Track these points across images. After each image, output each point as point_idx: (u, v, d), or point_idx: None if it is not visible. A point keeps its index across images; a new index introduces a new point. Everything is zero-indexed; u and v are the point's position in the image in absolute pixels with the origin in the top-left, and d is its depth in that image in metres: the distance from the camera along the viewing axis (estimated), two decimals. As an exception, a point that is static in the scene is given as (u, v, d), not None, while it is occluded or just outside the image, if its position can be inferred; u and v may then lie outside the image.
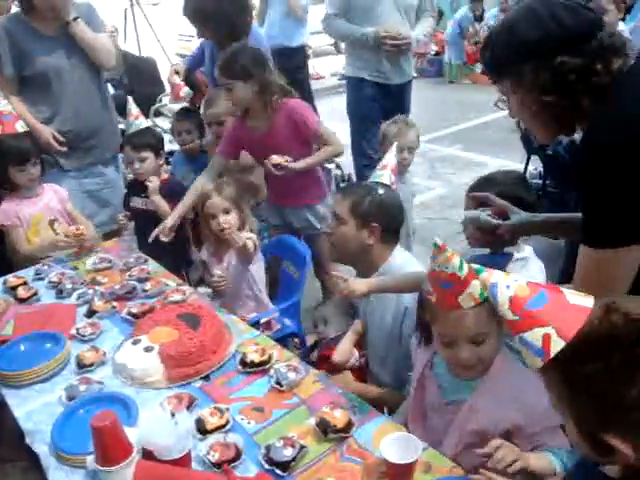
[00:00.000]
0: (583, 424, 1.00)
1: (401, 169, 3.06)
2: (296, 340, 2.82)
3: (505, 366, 1.63)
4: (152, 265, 2.79)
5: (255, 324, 2.52)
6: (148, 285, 2.57)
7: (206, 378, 2.00)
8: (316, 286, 3.43)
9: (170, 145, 4.19)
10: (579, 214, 1.54)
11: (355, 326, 2.31)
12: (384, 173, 2.33)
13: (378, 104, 3.96)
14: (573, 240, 1.60)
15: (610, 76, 1.39)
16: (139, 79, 5.98)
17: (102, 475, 1.51)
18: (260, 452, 1.62)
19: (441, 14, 11.05)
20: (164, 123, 5.04)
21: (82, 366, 2.07)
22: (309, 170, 3.02)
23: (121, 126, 3.78)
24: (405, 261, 2.22)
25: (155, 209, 3.09)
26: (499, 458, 1.42)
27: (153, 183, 3.09)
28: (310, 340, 2.73)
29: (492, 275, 1.12)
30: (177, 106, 4.58)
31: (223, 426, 1.72)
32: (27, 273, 2.79)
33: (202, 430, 1.71)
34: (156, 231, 2.89)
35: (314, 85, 6.49)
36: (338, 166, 5.42)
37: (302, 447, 1.62)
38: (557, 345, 0.99)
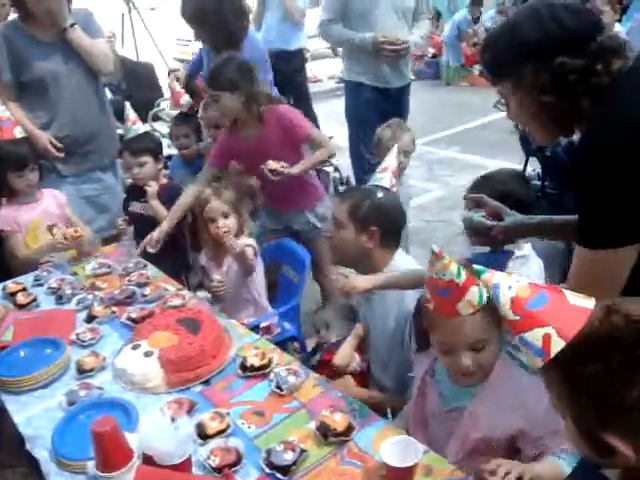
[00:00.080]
0: (583, 424, 1.00)
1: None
2: (296, 344, 2.82)
3: (505, 372, 1.63)
4: (151, 270, 2.78)
5: (255, 328, 2.52)
6: (147, 290, 2.57)
7: (206, 382, 1.99)
8: (315, 289, 3.43)
9: (169, 150, 4.19)
10: (572, 216, 1.54)
11: (356, 330, 2.31)
12: (384, 176, 2.33)
13: (376, 108, 3.95)
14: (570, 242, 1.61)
15: (610, 77, 1.39)
16: (137, 84, 5.98)
17: (103, 481, 1.51)
18: (261, 456, 1.61)
19: (439, 15, 11.09)
20: (162, 128, 5.04)
21: (82, 371, 2.06)
22: (304, 174, 3.03)
23: (119, 131, 3.79)
24: (406, 264, 2.21)
25: (154, 214, 3.09)
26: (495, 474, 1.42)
27: (152, 188, 3.10)
28: (310, 344, 2.72)
29: (494, 276, 1.13)
30: (175, 111, 4.58)
31: (224, 431, 1.72)
32: (26, 279, 2.78)
33: (202, 435, 1.70)
34: (143, 243, 2.90)
35: (312, 88, 6.49)
36: (337, 169, 5.43)
37: (303, 451, 1.61)
38: (557, 345, 0.99)
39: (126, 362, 2.03)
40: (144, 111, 5.09)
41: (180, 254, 3.27)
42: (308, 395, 1.89)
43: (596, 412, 0.97)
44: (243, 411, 1.84)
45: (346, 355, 2.21)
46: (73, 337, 2.26)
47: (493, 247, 2.09)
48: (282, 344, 2.53)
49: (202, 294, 2.82)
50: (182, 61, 9.29)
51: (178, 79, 3.99)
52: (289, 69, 5.28)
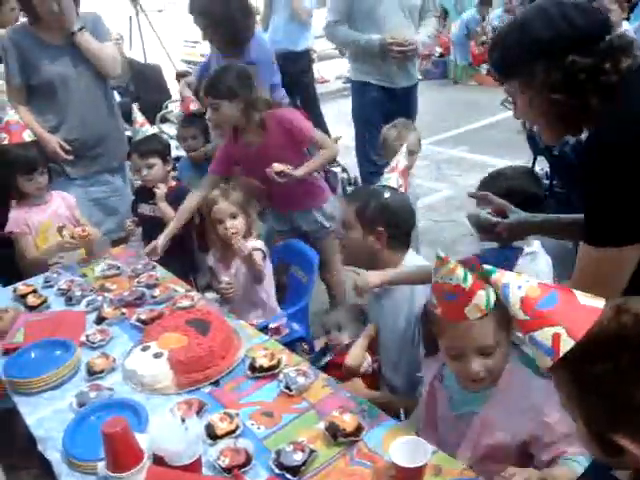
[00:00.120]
0: (592, 424, 1.00)
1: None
2: (305, 346, 2.82)
3: (514, 376, 1.62)
4: (160, 271, 2.80)
5: (264, 329, 2.52)
6: (157, 291, 2.58)
7: (215, 383, 2.00)
8: (322, 289, 3.43)
9: (177, 151, 4.20)
10: (577, 215, 1.54)
11: (367, 330, 2.29)
12: (391, 176, 2.32)
13: (383, 108, 3.93)
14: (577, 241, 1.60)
15: (618, 75, 1.40)
16: (145, 86, 6.00)
17: (113, 481, 1.52)
18: (270, 457, 1.62)
19: (446, 13, 11.05)
20: (170, 129, 5.05)
21: (92, 373, 2.08)
22: (309, 176, 3.03)
23: (127, 133, 3.80)
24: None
25: (162, 216, 3.10)
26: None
27: (160, 190, 3.11)
28: (319, 345, 2.73)
29: (504, 276, 1.13)
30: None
31: (233, 431, 1.73)
32: (36, 281, 2.80)
33: (212, 435, 1.71)
34: (146, 250, 2.91)
35: (319, 89, 6.49)
36: (345, 169, 5.42)
37: (312, 451, 1.62)
38: (567, 345, 0.99)
39: (136, 363, 2.04)
40: (152, 113, 5.10)
41: (188, 255, 3.28)
42: (317, 396, 1.89)
43: (605, 411, 0.96)
44: (252, 412, 1.84)
45: (358, 356, 2.19)
46: (83, 339, 2.27)
47: (502, 243, 2.09)
48: (291, 345, 2.53)
49: (210, 295, 2.83)
50: (189, 63, 9.33)
51: (189, 85, 4.00)
52: (296, 70, 5.28)
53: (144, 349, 2.09)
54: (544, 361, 1.03)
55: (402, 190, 2.32)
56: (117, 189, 3.59)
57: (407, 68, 3.97)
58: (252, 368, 2.02)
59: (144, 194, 3.27)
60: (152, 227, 3.15)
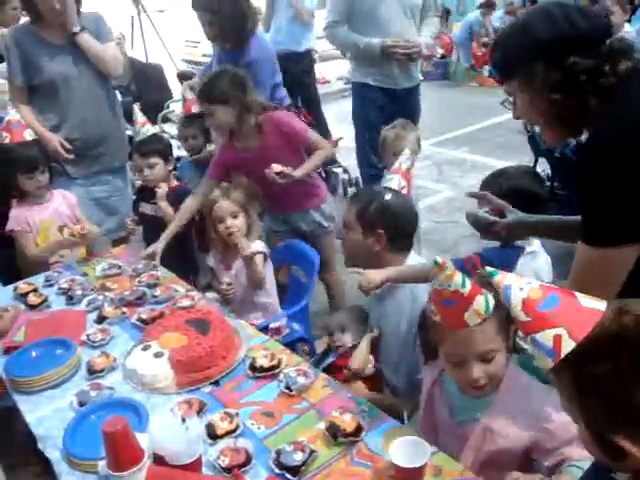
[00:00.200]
0: (593, 425, 1.00)
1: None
2: (305, 347, 2.82)
3: (515, 382, 1.62)
4: (161, 271, 2.80)
5: (264, 329, 2.52)
6: (158, 291, 2.58)
7: (216, 383, 2.00)
8: (321, 289, 3.42)
9: (178, 151, 4.21)
10: (573, 217, 1.55)
11: (370, 334, 2.28)
12: (394, 177, 2.32)
13: (384, 110, 3.90)
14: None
15: (617, 77, 1.41)
16: (146, 86, 5.99)
17: (114, 480, 1.52)
18: (270, 457, 1.62)
19: (447, 13, 11.06)
20: (172, 129, 5.05)
21: (93, 372, 2.08)
22: (306, 176, 3.03)
23: (128, 132, 3.80)
24: None
25: (163, 215, 3.10)
26: None
27: (161, 189, 3.11)
28: (320, 346, 2.73)
29: (506, 277, 1.13)
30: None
31: (233, 431, 1.73)
32: (37, 280, 2.81)
33: (212, 435, 1.71)
34: (143, 254, 2.90)
35: (320, 90, 6.49)
36: (346, 170, 5.42)
37: (312, 451, 1.62)
38: (568, 346, 0.99)
39: (136, 363, 2.04)
40: (153, 113, 5.10)
41: (188, 255, 3.28)
42: (317, 396, 1.89)
43: (606, 412, 0.96)
44: (252, 411, 1.84)
45: (362, 359, 2.18)
46: (84, 338, 2.27)
47: (503, 242, 2.10)
48: (291, 345, 2.54)
49: (211, 295, 2.83)
50: (191, 62, 9.34)
51: (192, 88, 4.01)
52: (298, 70, 5.28)
53: (145, 348, 2.09)
54: (545, 362, 1.03)
55: (404, 192, 2.32)
56: (118, 189, 3.59)
57: (408, 69, 3.95)
58: (252, 368, 2.02)
59: (145, 193, 3.27)
60: (153, 226, 3.15)
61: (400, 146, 3.14)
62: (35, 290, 2.67)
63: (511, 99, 1.60)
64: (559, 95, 1.44)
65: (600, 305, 1.02)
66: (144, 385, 2.00)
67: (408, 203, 2.33)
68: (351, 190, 5.37)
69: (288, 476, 1.56)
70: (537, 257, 2.29)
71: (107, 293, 2.61)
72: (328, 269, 3.26)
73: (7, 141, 3.03)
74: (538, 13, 1.48)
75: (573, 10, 1.43)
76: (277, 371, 1.99)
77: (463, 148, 6.94)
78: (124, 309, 2.45)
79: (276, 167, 2.82)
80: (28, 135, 3.10)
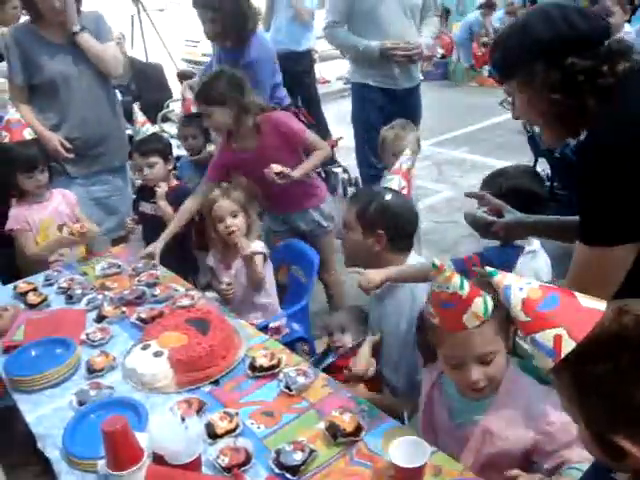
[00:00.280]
0: (593, 425, 1.00)
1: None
2: (305, 347, 2.82)
3: (515, 384, 1.61)
4: (161, 270, 2.80)
5: (264, 328, 2.52)
6: (157, 290, 2.58)
7: (215, 383, 2.00)
8: (321, 288, 3.42)
9: (178, 150, 4.21)
10: (571, 218, 1.56)
11: (371, 337, 2.27)
12: (394, 178, 2.31)
13: (384, 110, 3.86)
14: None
15: (615, 77, 1.42)
16: (146, 85, 5.99)
17: (113, 479, 1.52)
18: (270, 456, 1.62)
19: (447, 12, 11.05)
20: (171, 129, 5.05)
21: (92, 371, 2.08)
22: (306, 175, 3.04)
23: (128, 132, 3.80)
24: None
25: (162, 214, 3.10)
26: None
27: (161, 189, 3.11)
28: (319, 346, 2.72)
29: (505, 278, 1.13)
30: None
31: (233, 430, 1.73)
32: (37, 279, 2.81)
33: (212, 434, 1.71)
34: (141, 254, 2.90)
35: (320, 90, 6.49)
36: (345, 170, 5.42)
37: (312, 451, 1.62)
38: (568, 346, 0.99)
39: (136, 362, 2.04)
40: (153, 112, 5.10)
41: (187, 254, 3.28)
42: (317, 395, 1.89)
43: (606, 412, 0.97)
44: (252, 411, 1.84)
45: (364, 363, 2.17)
46: (83, 337, 2.27)
47: (502, 242, 2.11)
48: (291, 345, 2.54)
49: (211, 294, 2.83)
50: (190, 62, 9.34)
51: (191, 87, 4.01)
52: (298, 70, 5.28)
53: (144, 348, 2.09)
54: (545, 363, 1.03)
55: (405, 192, 2.32)
56: (118, 188, 3.59)
57: (409, 69, 3.93)
58: (252, 368, 2.02)
59: (145, 193, 3.27)
60: (153, 226, 3.15)
61: (399, 146, 3.14)
62: (35, 289, 2.67)
63: (510, 99, 1.61)
64: (558, 95, 1.45)
65: (600, 305, 1.02)
66: (144, 384, 2.00)
67: (408, 203, 2.33)
68: (351, 190, 5.37)
69: (288, 476, 1.56)
70: (537, 257, 2.30)
71: (107, 292, 2.61)
72: (327, 269, 3.26)
73: (7, 140, 3.03)
74: (537, 14, 1.48)
75: (572, 11, 1.45)
76: (277, 371, 1.99)
77: (463, 148, 6.95)
78: (124, 308, 2.45)
79: (275, 167, 2.82)
80: (28, 134, 3.10)
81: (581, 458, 1.45)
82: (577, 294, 1.06)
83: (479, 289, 1.49)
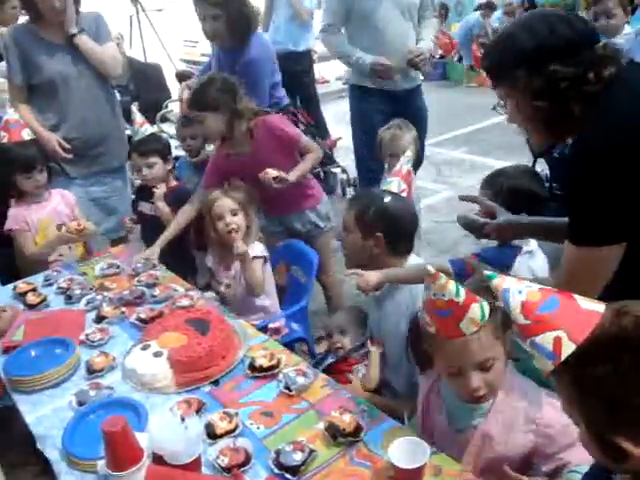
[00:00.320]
0: (594, 427, 1.00)
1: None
2: (304, 348, 2.82)
3: (513, 387, 1.61)
4: (160, 270, 2.80)
5: (263, 329, 2.52)
6: (157, 291, 2.58)
7: (215, 383, 2.00)
8: (319, 289, 3.42)
9: (177, 151, 4.20)
10: (560, 219, 1.59)
11: (376, 347, 2.26)
12: (393, 180, 2.31)
13: (382, 112, 3.80)
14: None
15: (601, 83, 1.45)
16: (145, 85, 5.99)
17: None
18: (270, 456, 1.62)
19: (447, 10, 11.04)
20: (170, 129, 5.05)
21: (92, 371, 2.08)
22: (302, 178, 3.04)
23: (127, 132, 3.80)
24: None
25: (160, 215, 3.10)
26: None
27: (159, 190, 3.11)
28: (319, 348, 2.72)
29: (504, 281, 1.13)
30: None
31: (232, 431, 1.73)
32: (36, 279, 2.81)
33: (212, 435, 1.71)
34: (138, 258, 2.89)
35: (319, 90, 6.49)
36: (344, 170, 5.43)
37: (312, 451, 1.62)
38: (568, 348, 0.99)
39: (136, 362, 2.05)
40: (152, 112, 5.10)
41: (186, 255, 3.28)
42: (317, 396, 1.89)
43: (605, 413, 0.97)
44: (252, 411, 1.84)
45: (375, 379, 2.18)
46: (83, 337, 2.27)
47: (501, 242, 2.12)
48: (290, 345, 2.54)
49: (210, 294, 2.83)
50: (189, 62, 9.33)
51: (190, 88, 4.00)
52: (297, 70, 5.28)
53: (144, 348, 2.09)
54: (545, 365, 1.03)
55: (404, 195, 2.31)
56: (117, 189, 3.59)
57: (407, 70, 3.91)
58: (252, 368, 2.02)
59: (144, 193, 3.27)
60: (152, 226, 3.15)
61: (397, 147, 3.13)
62: (34, 289, 2.67)
63: (502, 103, 1.64)
64: (541, 102, 1.49)
65: (599, 307, 1.02)
66: (143, 385, 2.00)
67: (408, 206, 2.32)
68: (349, 190, 5.39)
69: (287, 476, 1.57)
70: (534, 256, 2.31)
71: (106, 293, 2.61)
72: (325, 270, 3.24)
73: (5, 141, 3.03)
74: (522, 23, 1.54)
75: (556, 19, 1.48)
76: (276, 371, 1.99)
77: (462, 148, 6.95)
78: (123, 309, 2.45)
79: (271, 172, 2.82)
80: (26, 134, 3.10)
81: (581, 460, 1.44)
82: (576, 296, 1.06)
83: (475, 295, 1.48)
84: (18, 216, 3.00)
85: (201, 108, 2.89)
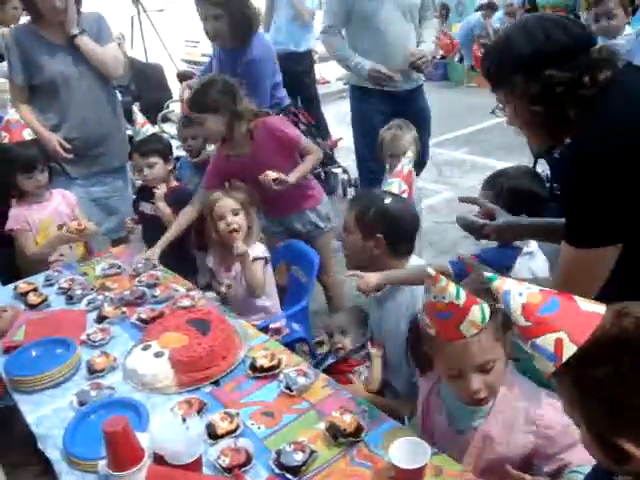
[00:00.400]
0: (595, 428, 1.00)
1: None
2: (305, 348, 2.82)
3: (513, 388, 1.61)
4: (161, 271, 2.80)
5: (264, 329, 2.52)
6: (157, 291, 2.58)
7: (216, 383, 2.00)
8: (319, 289, 3.42)
9: (178, 151, 4.21)
10: (558, 220, 1.64)
11: (377, 349, 2.25)
12: (394, 181, 2.30)
13: (383, 113, 3.77)
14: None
15: (597, 87, 1.46)
16: (146, 85, 6.00)
17: (114, 480, 1.52)
18: (270, 457, 1.62)
19: (447, 10, 11.03)
20: (172, 129, 5.05)
21: (93, 371, 2.08)
22: (302, 179, 3.04)
23: (128, 132, 3.80)
24: None
25: (161, 216, 3.11)
26: None
27: (159, 190, 3.11)
28: (322, 349, 2.72)
29: (505, 283, 1.13)
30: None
31: (233, 431, 1.73)
32: (37, 279, 2.81)
33: (213, 435, 1.71)
34: (138, 259, 2.89)
35: (320, 90, 6.49)
36: (345, 171, 5.43)
37: (312, 452, 1.62)
38: (569, 350, 0.99)
39: (137, 362, 2.05)
40: (153, 112, 5.10)
41: (187, 255, 3.28)
42: (317, 396, 1.89)
43: (606, 415, 0.97)
44: (253, 411, 1.85)
45: (378, 380, 2.18)
46: (84, 337, 2.28)
47: (501, 243, 2.12)
48: (291, 345, 2.54)
49: (210, 294, 2.83)
50: (190, 62, 9.33)
51: (191, 88, 4.00)
52: (298, 70, 5.27)
53: (145, 348, 2.09)
54: (547, 367, 1.03)
55: (405, 196, 2.31)
56: (118, 189, 3.59)
57: (408, 71, 3.90)
58: (252, 368, 2.02)
59: (145, 193, 3.27)
60: (153, 226, 3.15)
61: (398, 147, 3.13)
62: (35, 289, 2.68)
63: (501, 106, 1.66)
64: (538, 107, 1.50)
65: (600, 308, 1.02)
66: (144, 385, 2.00)
67: (408, 207, 2.31)
68: (350, 190, 5.38)
69: (288, 476, 1.57)
70: (534, 257, 2.31)
71: (107, 293, 2.61)
72: (325, 270, 3.24)
73: (6, 141, 3.03)
74: (518, 28, 1.55)
75: (551, 23, 1.49)
76: (277, 371, 1.99)
77: (463, 149, 6.95)
78: (124, 309, 2.45)
79: (271, 174, 2.82)
80: (27, 135, 3.10)
81: (582, 461, 1.44)
82: (576, 298, 1.06)
83: (475, 297, 1.48)
84: (19, 216, 3.01)
85: (201, 110, 2.90)
